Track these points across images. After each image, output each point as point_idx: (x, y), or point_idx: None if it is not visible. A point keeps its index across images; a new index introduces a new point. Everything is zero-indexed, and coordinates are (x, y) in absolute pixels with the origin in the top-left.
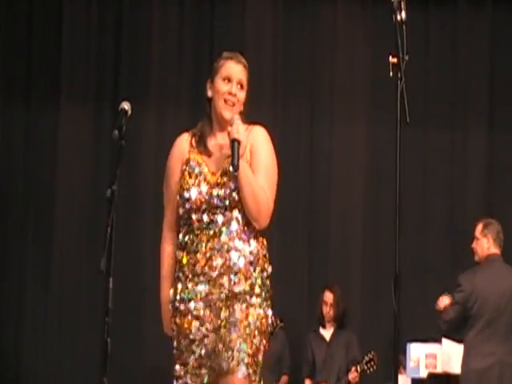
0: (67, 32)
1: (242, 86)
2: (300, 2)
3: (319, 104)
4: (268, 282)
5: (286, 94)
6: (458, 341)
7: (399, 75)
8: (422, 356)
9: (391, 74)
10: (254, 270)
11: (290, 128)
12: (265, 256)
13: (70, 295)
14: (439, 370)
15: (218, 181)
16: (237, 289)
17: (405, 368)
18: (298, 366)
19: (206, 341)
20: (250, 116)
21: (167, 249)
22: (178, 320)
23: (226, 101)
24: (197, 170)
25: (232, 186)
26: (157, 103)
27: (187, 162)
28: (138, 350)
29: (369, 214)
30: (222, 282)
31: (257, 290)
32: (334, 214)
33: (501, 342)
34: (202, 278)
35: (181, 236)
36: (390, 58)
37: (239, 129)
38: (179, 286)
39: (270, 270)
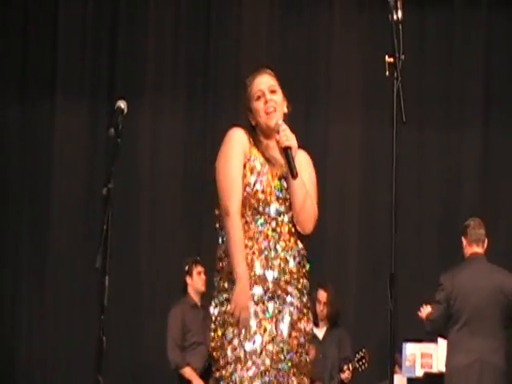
0: (63, 29)
1: (273, 91)
2: (296, 3)
3: (315, 104)
4: None
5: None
6: None
7: (395, 75)
8: (417, 355)
9: (387, 73)
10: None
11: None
12: None
13: (66, 293)
14: (435, 369)
15: (276, 184)
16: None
17: (400, 367)
18: None
19: None
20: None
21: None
22: None
23: (267, 113)
24: (259, 168)
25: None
26: (152, 101)
27: (250, 157)
28: (134, 348)
29: (364, 212)
30: None
31: None
32: (329, 212)
33: (482, 340)
34: None
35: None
36: (387, 57)
37: (287, 134)
38: None
39: None
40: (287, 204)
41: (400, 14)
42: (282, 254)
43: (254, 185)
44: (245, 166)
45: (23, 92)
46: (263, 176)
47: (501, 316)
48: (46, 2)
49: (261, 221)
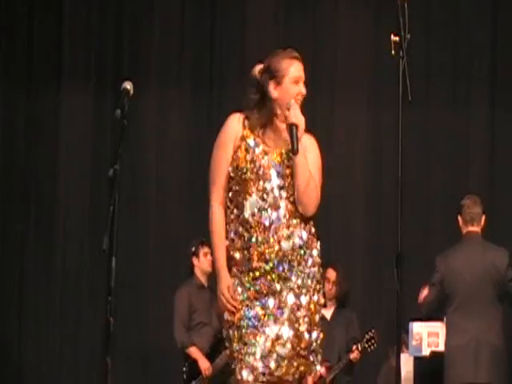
0: (69, 15)
1: (304, 84)
2: None
3: (321, 88)
4: None
5: None
6: None
7: (401, 54)
8: (424, 334)
9: (393, 52)
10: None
11: None
12: None
13: (73, 275)
14: (441, 348)
15: (276, 160)
16: None
17: (407, 347)
18: None
19: None
20: None
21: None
22: None
23: (296, 101)
24: (253, 146)
25: (288, 170)
26: (158, 83)
27: (243, 138)
28: (141, 329)
29: (371, 193)
30: None
31: None
32: (336, 194)
33: (477, 319)
34: None
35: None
36: (392, 36)
37: (296, 113)
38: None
39: None
40: (288, 181)
41: None
42: (281, 231)
43: (252, 162)
44: (240, 148)
45: (30, 77)
46: (260, 153)
47: (495, 293)
48: None
49: (258, 197)
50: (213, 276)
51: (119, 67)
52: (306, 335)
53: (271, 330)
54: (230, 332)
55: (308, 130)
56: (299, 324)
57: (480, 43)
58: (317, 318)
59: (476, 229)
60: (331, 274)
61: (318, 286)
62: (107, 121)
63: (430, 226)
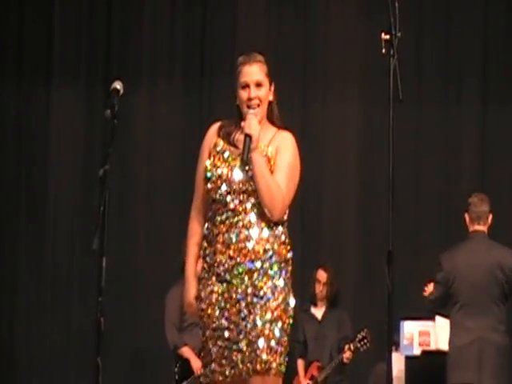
0: (59, 13)
1: (259, 85)
2: None
3: (311, 84)
4: None
5: (278, 74)
6: None
7: (392, 52)
8: (415, 333)
9: (383, 50)
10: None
11: (281, 109)
12: None
13: (63, 275)
14: (433, 347)
15: (239, 166)
16: None
17: (398, 346)
18: (290, 347)
19: None
20: None
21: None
22: None
23: (249, 106)
24: (222, 153)
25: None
26: (149, 82)
27: (215, 145)
28: (132, 329)
29: (362, 192)
30: None
31: None
32: (327, 192)
33: (481, 318)
34: None
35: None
36: (383, 34)
37: (251, 124)
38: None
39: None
40: (247, 186)
41: None
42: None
43: (215, 167)
44: (210, 156)
45: (19, 75)
46: (228, 161)
47: (499, 293)
48: None
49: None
50: None
51: (109, 65)
52: None
53: None
54: None
55: (285, 127)
56: None
57: (471, 42)
58: None
59: (482, 228)
60: (322, 274)
61: None
62: (98, 119)
63: (422, 225)
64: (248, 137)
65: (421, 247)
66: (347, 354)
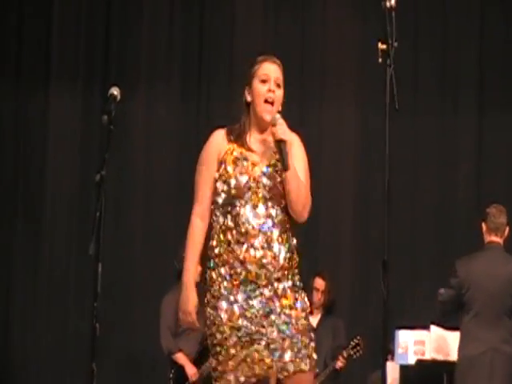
0: (57, 15)
1: (278, 85)
2: None
3: (309, 88)
4: None
5: None
6: (447, 328)
7: (388, 62)
8: (410, 343)
9: (380, 60)
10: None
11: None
12: None
13: (59, 280)
14: (428, 356)
15: (264, 171)
16: None
17: (393, 355)
18: None
19: None
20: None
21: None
22: None
23: (266, 100)
24: (241, 159)
25: (278, 178)
26: (147, 87)
27: (229, 152)
28: (128, 335)
29: (359, 199)
30: None
31: None
32: (323, 199)
33: (493, 329)
34: None
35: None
36: (379, 44)
37: (283, 128)
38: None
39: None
40: (275, 192)
41: (393, 1)
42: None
43: (241, 175)
44: (226, 162)
45: (17, 79)
46: (247, 167)
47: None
48: None
49: (248, 210)
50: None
51: (108, 67)
52: None
53: None
54: None
55: (295, 130)
56: None
57: (468, 52)
58: None
59: (499, 239)
60: (319, 282)
61: None
62: (95, 122)
63: (418, 234)
64: (283, 142)
65: (416, 257)
66: (340, 363)
